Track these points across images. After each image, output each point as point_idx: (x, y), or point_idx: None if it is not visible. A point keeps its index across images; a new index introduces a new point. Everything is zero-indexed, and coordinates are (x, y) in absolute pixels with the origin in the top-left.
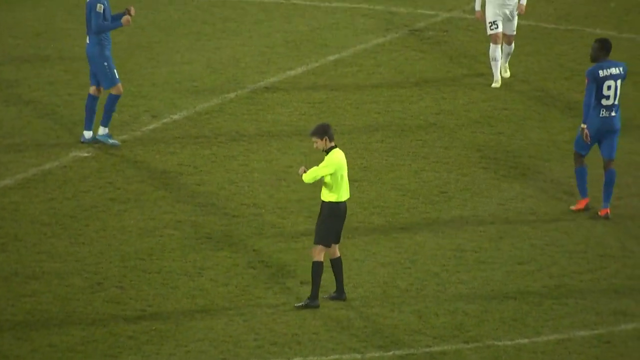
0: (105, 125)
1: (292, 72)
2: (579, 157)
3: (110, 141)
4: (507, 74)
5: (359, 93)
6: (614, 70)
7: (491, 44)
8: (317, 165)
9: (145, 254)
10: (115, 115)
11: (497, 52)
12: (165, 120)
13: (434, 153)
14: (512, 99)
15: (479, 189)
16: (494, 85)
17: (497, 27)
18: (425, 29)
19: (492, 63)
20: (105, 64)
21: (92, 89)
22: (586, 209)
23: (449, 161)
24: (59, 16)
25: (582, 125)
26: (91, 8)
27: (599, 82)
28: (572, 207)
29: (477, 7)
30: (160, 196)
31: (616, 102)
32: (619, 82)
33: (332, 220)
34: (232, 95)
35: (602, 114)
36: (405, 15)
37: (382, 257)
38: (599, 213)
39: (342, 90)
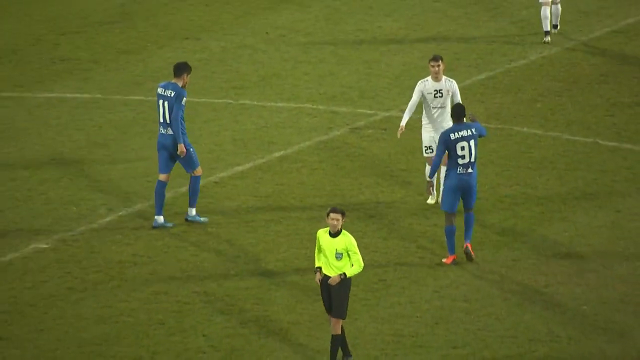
0: (193, 206)
1: (240, 168)
2: (448, 215)
3: (202, 219)
4: (433, 202)
5: (303, 187)
6: (465, 133)
7: (427, 164)
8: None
9: (102, 340)
10: (73, 208)
11: None
12: (120, 213)
13: (373, 243)
14: None
15: (416, 277)
16: (429, 201)
17: (432, 152)
18: (365, 127)
19: (427, 180)
20: (192, 149)
21: (163, 177)
22: (454, 263)
23: (388, 251)
24: (20, 116)
25: (427, 179)
26: (176, 99)
27: (450, 144)
28: (444, 260)
29: (403, 123)
30: (115, 285)
31: (472, 160)
32: (472, 142)
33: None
34: (183, 189)
35: (460, 171)
36: (346, 114)
37: (325, 342)
38: (463, 247)
39: (286, 185)
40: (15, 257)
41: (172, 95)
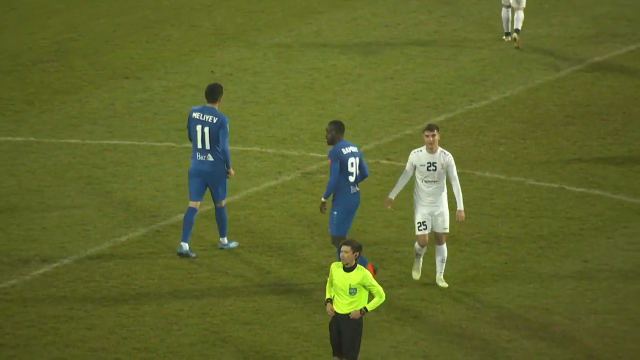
0: (224, 236)
1: (183, 215)
2: (341, 239)
3: (232, 244)
4: (444, 285)
5: (251, 236)
6: (354, 148)
7: (417, 243)
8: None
9: None
10: (4, 259)
11: (422, 250)
12: (55, 265)
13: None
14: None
15: (372, 332)
16: (413, 275)
17: (425, 229)
18: (317, 172)
19: (416, 257)
20: (226, 179)
21: (194, 204)
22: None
23: None
24: None
25: (322, 199)
26: (221, 125)
27: (343, 160)
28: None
29: (392, 195)
30: (50, 341)
31: (357, 179)
32: (357, 159)
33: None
34: (123, 239)
35: (352, 190)
36: (297, 158)
37: None
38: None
39: (233, 234)
40: None
41: (215, 121)
